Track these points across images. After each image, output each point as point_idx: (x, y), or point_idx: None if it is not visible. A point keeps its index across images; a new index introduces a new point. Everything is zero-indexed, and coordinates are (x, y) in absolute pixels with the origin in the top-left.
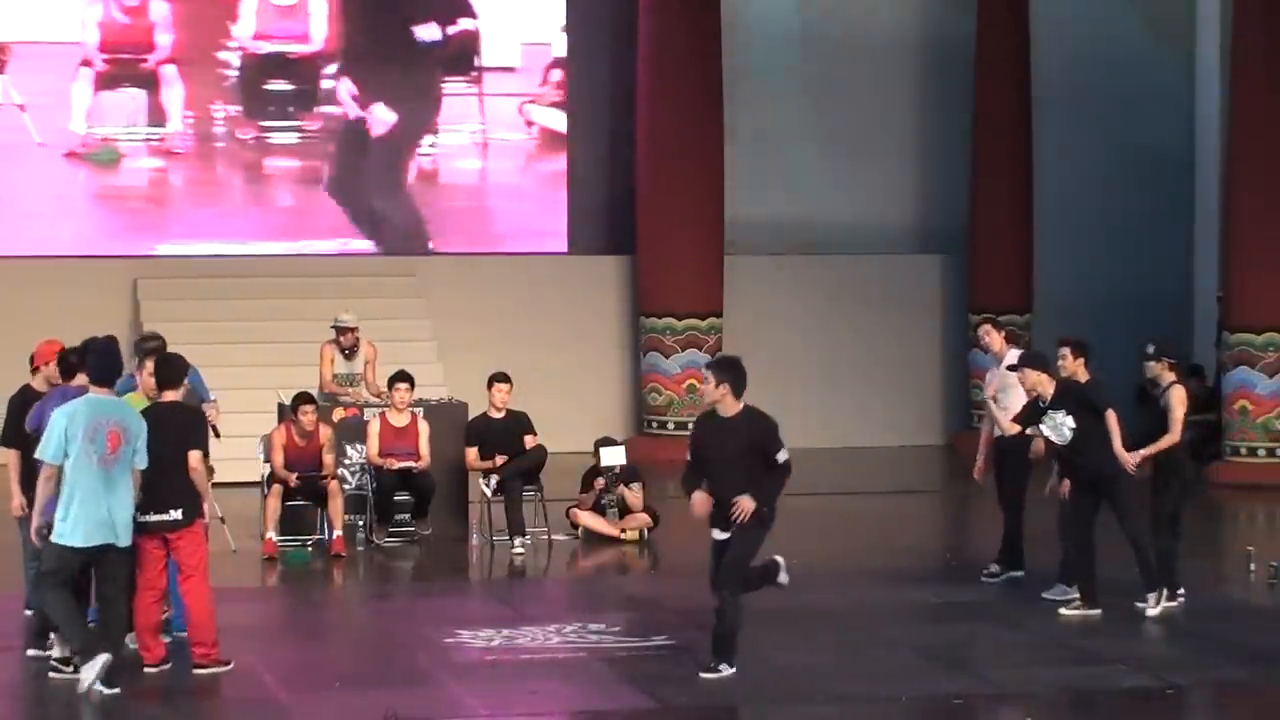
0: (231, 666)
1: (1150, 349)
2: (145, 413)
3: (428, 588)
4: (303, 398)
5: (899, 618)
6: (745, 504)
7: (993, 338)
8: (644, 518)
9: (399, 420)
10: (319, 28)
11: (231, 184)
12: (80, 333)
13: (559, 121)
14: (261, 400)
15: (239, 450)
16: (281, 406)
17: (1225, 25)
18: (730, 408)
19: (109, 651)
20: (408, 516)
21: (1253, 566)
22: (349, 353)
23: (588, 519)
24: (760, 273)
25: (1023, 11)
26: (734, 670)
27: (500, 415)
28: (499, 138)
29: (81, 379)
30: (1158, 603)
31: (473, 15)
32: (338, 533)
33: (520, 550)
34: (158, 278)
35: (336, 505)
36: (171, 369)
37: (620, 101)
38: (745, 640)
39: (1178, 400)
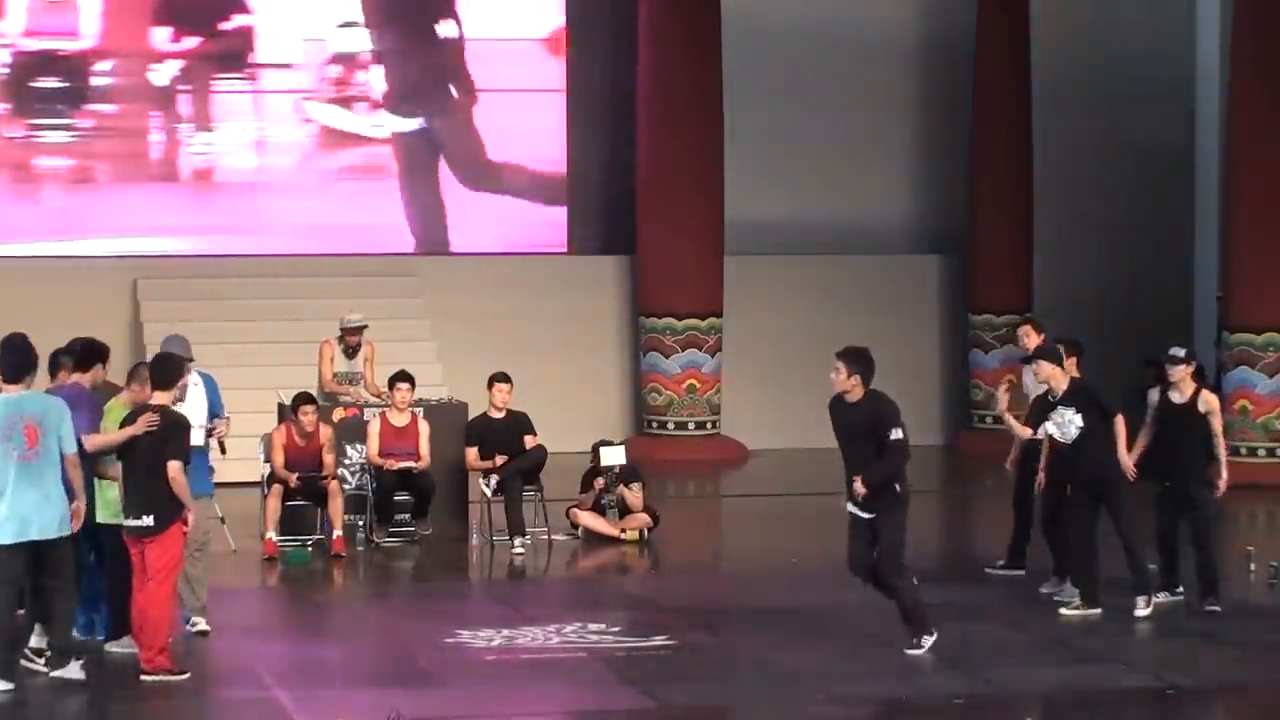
0: (186, 676)
1: (1180, 353)
2: (131, 415)
3: (428, 588)
4: (303, 398)
5: (899, 618)
6: (857, 487)
7: (1031, 339)
8: (644, 518)
9: (399, 420)
10: (89, 24)
11: None
12: (80, 333)
13: (337, 118)
14: (261, 400)
15: (239, 450)
16: (281, 406)
17: (1225, 25)
18: (857, 395)
19: (57, 644)
20: (408, 516)
21: (1253, 566)
22: (351, 351)
23: (588, 519)
24: (760, 273)
25: (1022, 11)
26: (934, 637)
27: (500, 415)
28: (276, 135)
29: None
30: (1147, 605)
31: (248, 11)
32: (338, 533)
33: (520, 550)
34: (158, 278)
35: (336, 505)
36: (164, 369)
37: (620, 101)
38: (745, 640)
39: (1215, 404)
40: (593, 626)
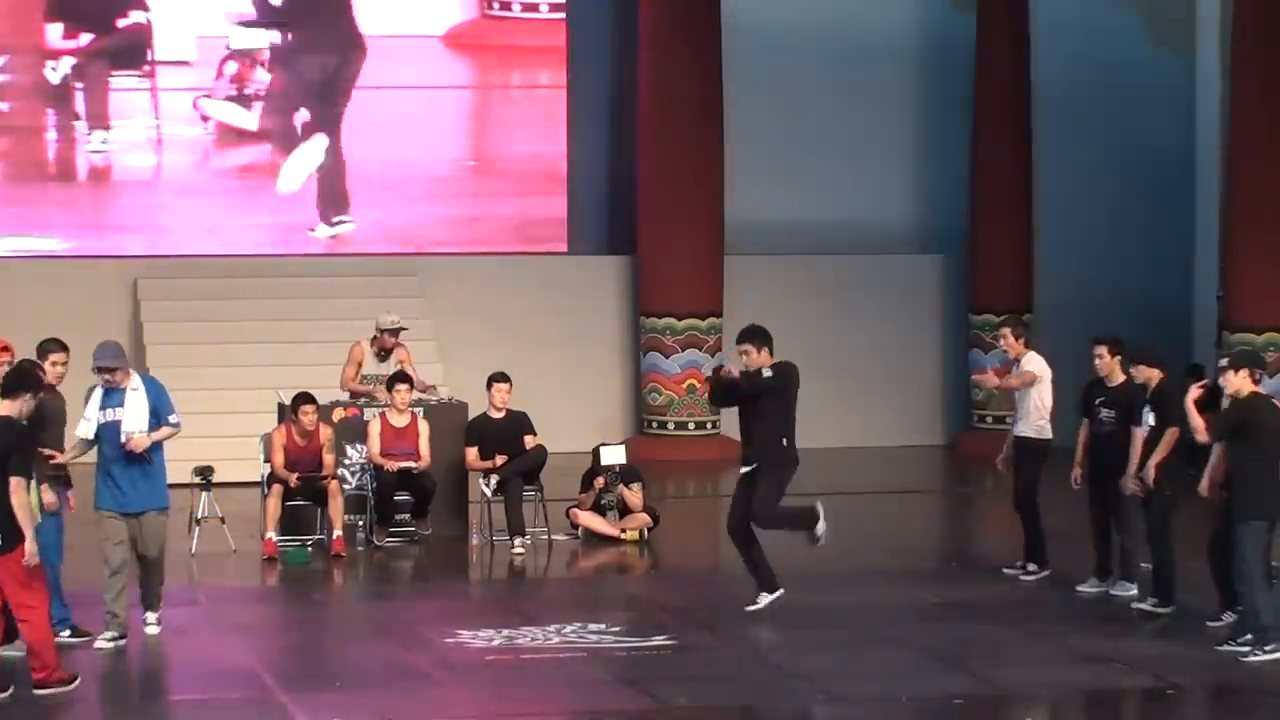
0: (77, 683)
1: (1224, 361)
2: None
3: (428, 588)
4: (303, 398)
5: (899, 618)
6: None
7: (1008, 343)
8: (644, 518)
9: (399, 420)
10: None
11: None
12: (80, 332)
13: (235, 116)
14: (261, 400)
15: (239, 450)
16: (281, 406)
17: (1225, 25)
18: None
19: None
20: (408, 516)
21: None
22: (384, 354)
23: (588, 519)
24: (760, 273)
25: (1022, 12)
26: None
27: (500, 415)
28: (173, 133)
29: None
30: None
31: (145, 8)
32: (338, 533)
33: (520, 550)
34: (158, 278)
35: (336, 505)
36: (14, 379)
37: (620, 101)
38: (745, 640)
39: None
40: (593, 626)
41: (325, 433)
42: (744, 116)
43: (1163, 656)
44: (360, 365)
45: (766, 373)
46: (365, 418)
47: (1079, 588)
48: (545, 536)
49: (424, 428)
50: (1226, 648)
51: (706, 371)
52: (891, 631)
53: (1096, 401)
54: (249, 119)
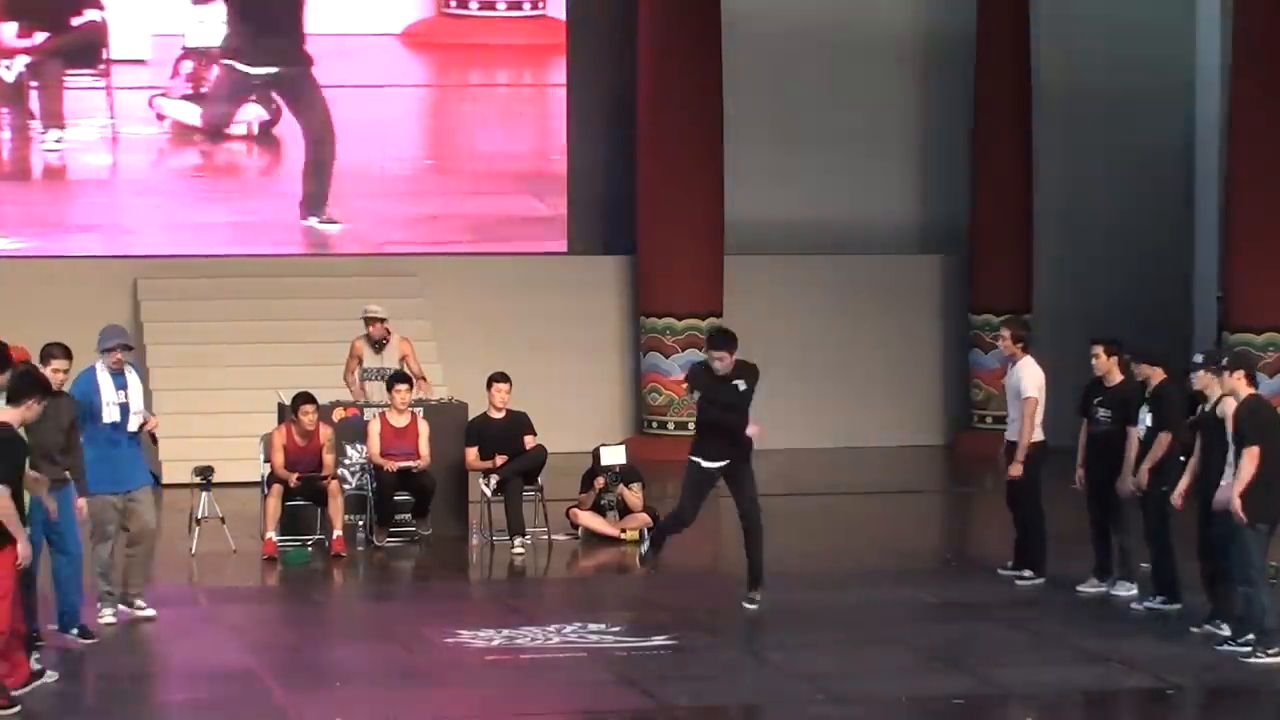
0: (17, 710)
1: (1198, 358)
2: None
3: (428, 588)
4: (303, 398)
5: (899, 618)
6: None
7: (1004, 343)
8: (644, 518)
9: (399, 420)
10: None
11: None
12: (80, 333)
13: (191, 114)
14: (261, 400)
15: (239, 450)
16: (281, 406)
17: (1225, 25)
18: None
19: None
20: (408, 516)
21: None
22: (378, 346)
23: (588, 519)
24: (760, 273)
25: (1023, 11)
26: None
27: (500, 415)
28: (129, 132)
29: None
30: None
31: (99, 6)
32: (338, 533)
33: (520, 550)
34: (158, 278)
35: (336, 505)
36: (19, 384)
37: (620, 101)
38: (745, 640)
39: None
40: (593, 626)
41: (325, 433)
42: (744, 116)
43: (1163, 656)
44: (361, 360)
45: (741, 386)
46: (365, 418)
47: (1079, 588)
48: (545, 536)
49: (424, 428)
50: (1227, 648)
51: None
52: (891, 631)
53: (1094, 402)
54: (204, 116)
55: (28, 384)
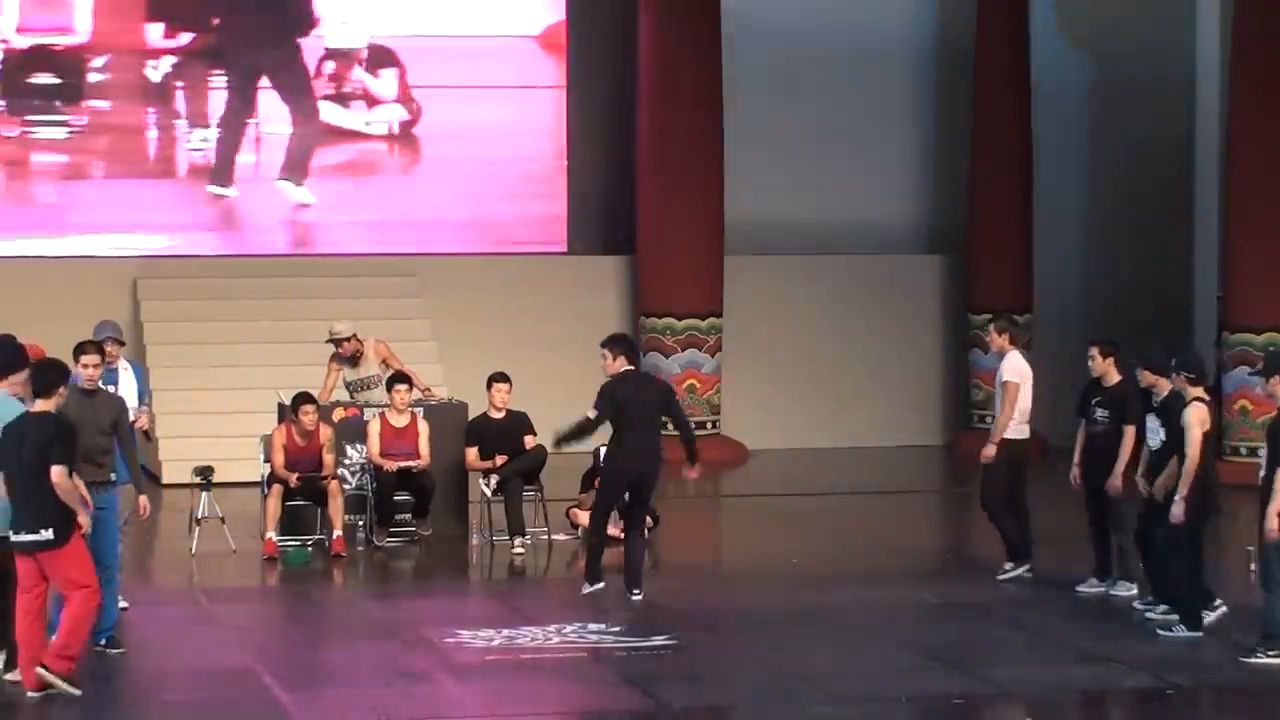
0: (78, 694)
1: (1173, 362)
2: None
3: (428, 588)
4: (303, 398)
5: (899, 618)
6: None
7: (992, 338)
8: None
9: (399, 420)
10: (84, 20)
11: None
12: (80, 333)
13: (333, 115)
14: (261, 400)
15: (239, 450)
16: (281, 406)
17: (1225, 24)
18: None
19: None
20: (408, 516)
21: (1253, 566)
22: (354, 360)
23: (587, 519)
24: (760, 273)
25: (1023, 12)
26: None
27: (500, 415)
28: (271, 131)
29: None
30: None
31: (246, 9)
32: (338, 533)
33: (520, 550)
34: (158, 278)
35: (336, 505)
36: (43, 377)
37: (620, 101)
38: (745, 640)
39: (1195, 419)
40: (593, 626)
41: (325, 433)
42: (744, 116)
43: (1163, 656)
44: (338, 375)
45: (591, 414)
46: (365, 418)
47: (1079, 588)
48: (545, 536)
49: (424, 428)
50: (1256, 660)
51: (707, 372)
52: (891, 631)
53: (1092, 402)
54: (347, 117)
55: (54, 374)
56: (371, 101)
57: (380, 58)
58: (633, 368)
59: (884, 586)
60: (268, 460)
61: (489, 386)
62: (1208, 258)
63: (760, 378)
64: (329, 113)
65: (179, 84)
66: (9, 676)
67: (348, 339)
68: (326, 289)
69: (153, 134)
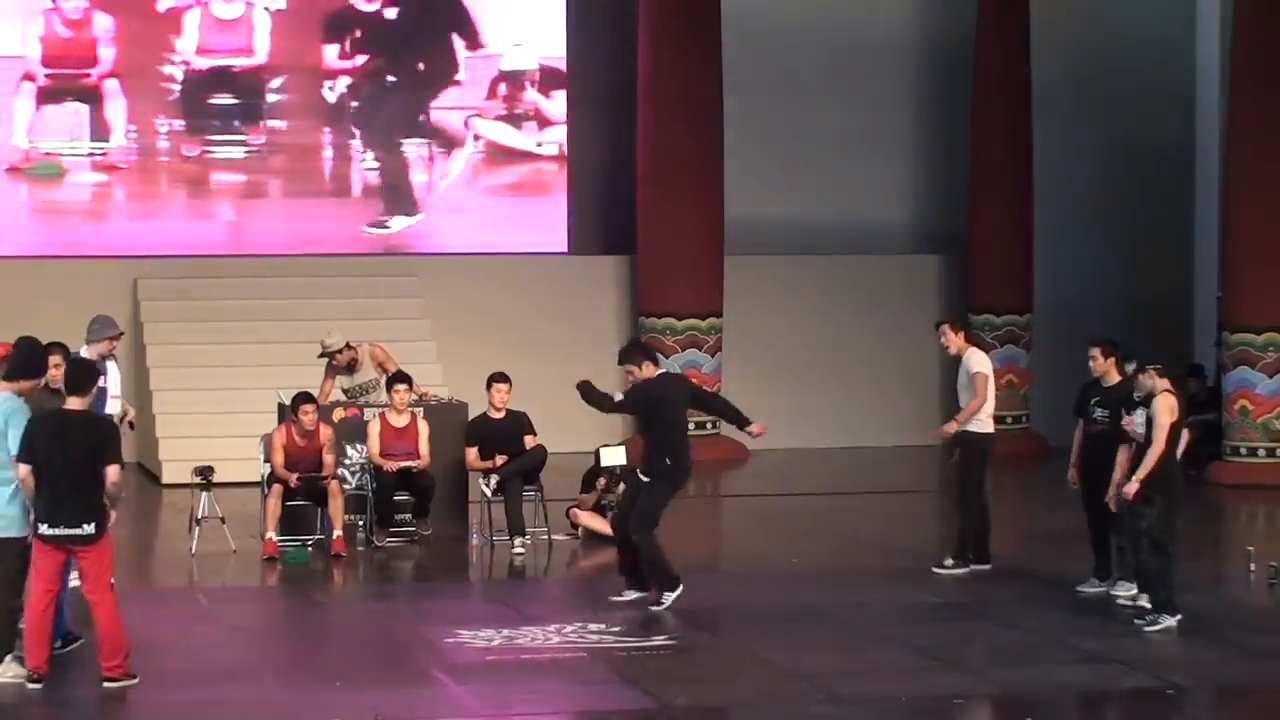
0: (137, 680)
1: (1132, 366)
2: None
3: (428, 588)
4: (303, 398)
5: (899, 618)
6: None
7: (950, 338)
8: None
9: (399, 420)
10: (262, 41)
11: (175, 198)
12: (80, 333)
13: (505, 135)
14: (261, 400)
15: (239, 450)
16: (281, 406)
17: (1225, 25)
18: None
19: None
20: (408, 516)
21: (1253, 566)
22: (350, 368)
23: (588, 519)
24: (760, 273)
25: (1022, 11)
26: (678, 592)
27: (500, 415)
28: (444, 150)
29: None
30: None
31: (420, 30)
32: (338, 533)
33: (520, 550)
34: (158, 278)
35: (336, 505)
36: (81, 374)
37: (620, 102)
38: (745, 640)
39: (1164, 409)
40: (593, 626)
41: (325, 433)
42: (744, 116)
43: (1163, 657)
44: (334, 381)
45: (617, 396)
46: (365, 418)
47: (1079, 588)
48: (545, 536)
49: (424, 428)
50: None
51: (706, 372)
52: (891, 631)
53: (1091, 402)
54: (518, 138)
55: (90, 372)
56: (542, 122)
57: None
58: (662, 371)
59: (884, 586)
60: (268, 460)
61: (489, 386)
62: (1208, 258)
63: (760, 378)
64: (500, 133)
65: (354, 103)
66: (10, 677)
67: (340, 350)
68: (326, 289)
69: (328, 154)
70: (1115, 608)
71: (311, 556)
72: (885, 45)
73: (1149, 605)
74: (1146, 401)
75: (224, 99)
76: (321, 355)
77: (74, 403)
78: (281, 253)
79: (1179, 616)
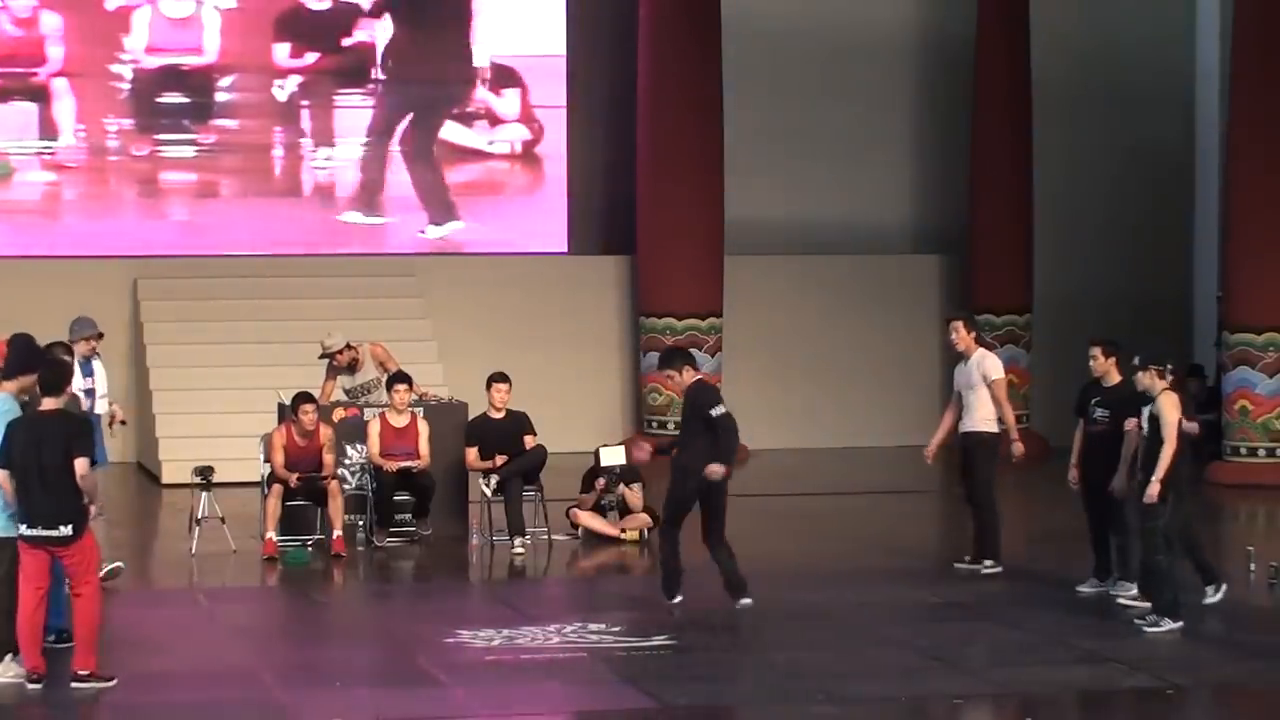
0: (114, 683)
1: (1136, 360)
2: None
3: (428, 588)
4: (303, 398)
5: (899, 618)
6: (714, 468)
7: (961, 335)
8: (644, 518)
9: (399, 420)
10: (212, 40)
11: (125, 198)
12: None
13: (459, 134)
14: (261, 400)
15: (239, 450)
16: (281, 406)
17: (1225, 25)
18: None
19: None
20: (408, 516)
21: (1253, 566)
22: (349, 367)
23: (588, 519)
24: (760, 273)
25: (1023, 11)
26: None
27: (500, 415)
28: (396, 150)
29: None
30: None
31: (370, 28)
32: (338, 533)
33: (520, 550)
34: (157, 278)
35: (336, 505)
36: (56, 376)
37: (620, 102)
38: (745, 640)
39: (1170, 406)
40: (593, 626)
41: (325, 433)
42: (744, 116)
43: (1163, 657)
44: (335, 383)
45: (716, 411)
46: (365, 418)
47: (1079, 588)
48: (545, 536)
49: (424, 428)
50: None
51: (707, 372)
52: (891, 631)
53: (1092, 402)
54: (472, 138)
55: (62, 371)
56: (494, 120)
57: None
58: (699, 376)
59: (884, 586)
60: (268, 460)
61: (489, 386)
62: (1208, 258)
63: (760, 378)
64: (454, 133)
65: (304, 102)
66: (10, 677)
67: (341, 350)
68: (326, 289)
69: (278, 152)
70: (1115, 608)
71: (311, 556)
72: (885, 45)
73: (1150, 606)
74: (1147, 400)
75: (174, 98)
76: (322, 356)
77: (49, 403)
78: (281, 253)
79: (1181, 624)
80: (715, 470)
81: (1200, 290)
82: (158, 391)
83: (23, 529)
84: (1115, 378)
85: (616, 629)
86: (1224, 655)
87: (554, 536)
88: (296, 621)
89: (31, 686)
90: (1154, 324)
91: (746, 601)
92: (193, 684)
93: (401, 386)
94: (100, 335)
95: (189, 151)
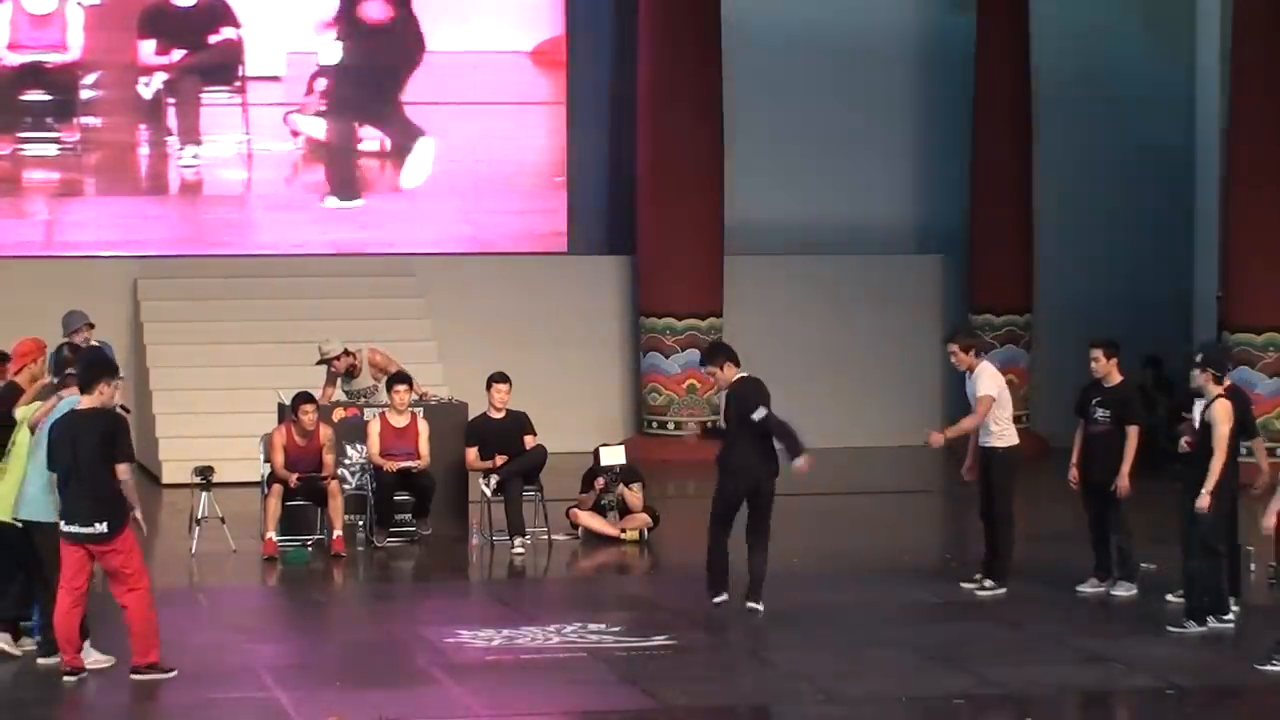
0: (175, 674)
1: (1198, 357)
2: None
3: (428, 588)
4: (303, 398)
5: (899, 618)
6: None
7: (960, 358)
8: (644, 518)
9: (399, 420)
10: (75, 37)
11: None
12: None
13: (324, 131)
14: (261, 400)
15: (239, 450)
16: (281, 406)
17: (1225, 26)
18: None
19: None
20: (408, 516)
21: (1253, 566)
22: (349, 371)
23: (588, 519)
24: (760, 273)
25: (1023, 11)
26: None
27: (500, 415)
28: (263, 148)
29: None
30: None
31: (236, 25)
32: (338, 533)
33: (520, 550)
34: (157, 278)
35: (336, 505)
36: (91, 373)
37: (620, 102)
38: (745, 640)
39: (1223, 416)
40: (593, 626)
41: (325, 433)
42: (744, 116)
43: (1163, 656)
44: (336, 387)
45: (758, 415)
46: (365, 418)
47: (1079, 588)
48: (545, 536)
49: (424, 428)
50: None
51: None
52: (891, 631)
53: (1093, 402)
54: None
55: (102, 370)
56: (361, 118)
57: None
58: (742, 374)
59: (884, 586)
60: (268, 460)
61: (489, 387)
62: (1208, 258)
63: (760, 377)
64: (319, 128)
65: (170, 100)
66: (41, 660)
67: (338, 356)
68: (326, 289)
69: (144, 150)
70: (1115, 608)
71: (311, 556)
72: (885, 45)
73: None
74: (1197, 395)
75: (37, 95)
76: (319, 362)
77: (86, 401)
78: (281, 253)
79: (1205, 628)
80: (801, 468)
81: (1200, 290)
82: (158, 391)
83: (63, 525)
84: (1116, 378)
85: (616, 629)
86: (1224, 655)
87: (554, 536)
88: (296, 621)
89: (67, 679)
90: (1154, 324)
91: (757, 607)
92: (193, 684)
93: (402, 387)
94: (91, 325)
95: (52, 150)
